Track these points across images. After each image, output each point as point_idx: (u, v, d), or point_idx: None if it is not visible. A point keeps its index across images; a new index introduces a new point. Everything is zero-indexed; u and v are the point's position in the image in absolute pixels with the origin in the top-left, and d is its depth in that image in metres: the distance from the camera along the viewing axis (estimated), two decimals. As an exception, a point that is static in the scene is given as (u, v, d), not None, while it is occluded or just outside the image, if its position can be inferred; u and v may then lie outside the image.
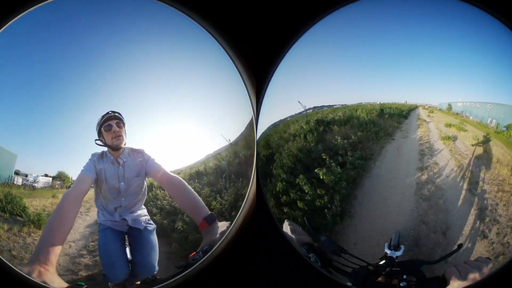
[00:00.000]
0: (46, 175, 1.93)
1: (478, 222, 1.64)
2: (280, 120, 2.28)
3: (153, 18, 1.98)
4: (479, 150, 1.72)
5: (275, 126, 2.22)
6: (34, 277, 1.59)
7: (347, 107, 2.26)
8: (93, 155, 1.99)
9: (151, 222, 2.05)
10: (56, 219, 1.79)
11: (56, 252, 1.69)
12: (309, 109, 2.25)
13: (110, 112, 1.97)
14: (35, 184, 1.93)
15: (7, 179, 1.81)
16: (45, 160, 1.90)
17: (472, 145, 1.73)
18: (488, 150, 1.70)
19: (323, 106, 2.28)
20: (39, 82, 1.87)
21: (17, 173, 1.77)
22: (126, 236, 2.01)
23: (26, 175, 1.84)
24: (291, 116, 2.29)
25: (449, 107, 1.95)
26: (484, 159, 1.68)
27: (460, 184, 1.63)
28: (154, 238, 2.02)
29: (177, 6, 1.92)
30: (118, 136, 1.98)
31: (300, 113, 2.25)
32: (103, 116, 1.97)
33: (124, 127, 2.00)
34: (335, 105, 2.20)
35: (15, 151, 1.83)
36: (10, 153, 1.73)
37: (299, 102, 2.16)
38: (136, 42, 1.98)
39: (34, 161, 1.88)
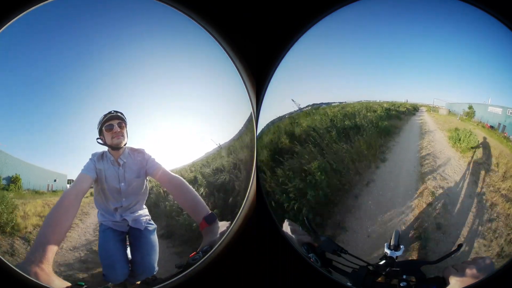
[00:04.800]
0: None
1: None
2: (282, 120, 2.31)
3: (153, 17, 1.98)
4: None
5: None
6: (31, 275, 1.59)
7: (348, 105, 2.32)
8: (93, 155, 1.98)
9: (152, 222, 2.04)
10: (54, 216, 1.80)
11: (54, 250, 1.69)
12: (306, 106, 2.28)
13: (112, 112, 1.95)
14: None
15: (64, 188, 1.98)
16: (48, 162, 1.92)
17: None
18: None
19: (321, 104, 2.32)
20: (38, 82, 1.87)
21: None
22: (126, 236, 2.01)
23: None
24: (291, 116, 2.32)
25: (471, 111, 2.03)
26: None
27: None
28: (155, 238, 2.02)
29: (177, 6, 1.92)
30: (119, 136, 1.97)
31: (295, 111, 2.27)
32: (105, 115, 1.95)
33: (126, 127, 1.99)
34: (333, 102, 2.33)
35: (17, 152, 1.86)
36: (61, 174, 1.97)
37: (292, 100, 2.17)
38: (135, 42, 1.98)
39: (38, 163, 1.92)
